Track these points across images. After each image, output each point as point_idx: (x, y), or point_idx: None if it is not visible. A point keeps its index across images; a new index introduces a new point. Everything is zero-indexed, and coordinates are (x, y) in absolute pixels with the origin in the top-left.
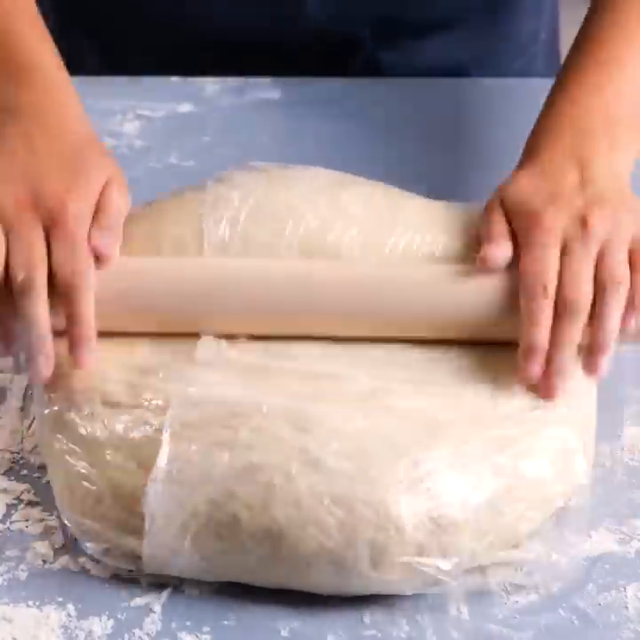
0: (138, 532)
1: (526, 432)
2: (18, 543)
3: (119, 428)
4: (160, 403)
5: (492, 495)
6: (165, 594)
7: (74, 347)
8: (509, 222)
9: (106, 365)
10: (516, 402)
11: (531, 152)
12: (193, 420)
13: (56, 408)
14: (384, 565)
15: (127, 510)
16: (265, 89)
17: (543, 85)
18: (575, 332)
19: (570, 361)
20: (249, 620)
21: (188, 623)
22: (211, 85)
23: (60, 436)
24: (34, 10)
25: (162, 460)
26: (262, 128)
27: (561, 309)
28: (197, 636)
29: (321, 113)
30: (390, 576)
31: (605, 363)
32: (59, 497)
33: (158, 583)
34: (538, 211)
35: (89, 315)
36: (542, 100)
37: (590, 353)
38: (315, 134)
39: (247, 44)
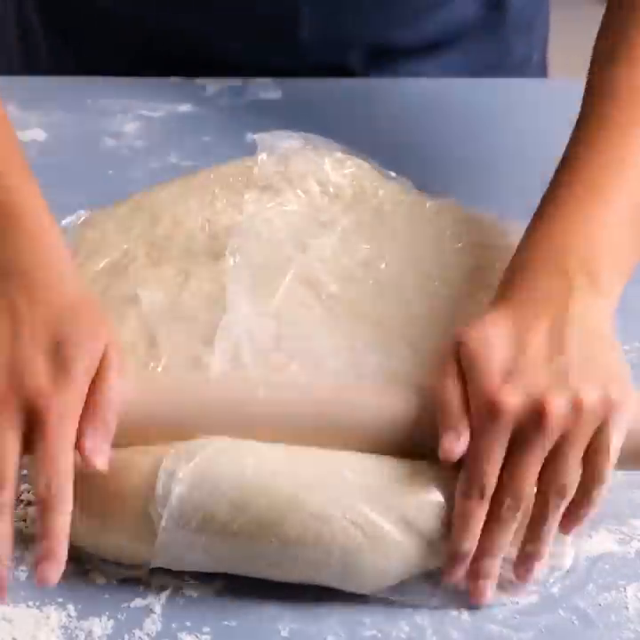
0: (120, 549)
1: None
2: (18, 543)
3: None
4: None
5: None
6: (165, 594)
7: (40, 560)
8: (464, 381)
9: None
10: None
11: (502, 291)
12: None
13: None
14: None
15: (103, 528)
16: (265, 89)
17: (542, 86)
18: (504, 540)
19: (495, 565)
20: (249, 620)
21: (188, 623)
22: (211, 85)
23: None
24: (17, 150)
25: (173, 460)
26: (262, 128)
27: (495, 512)
28: (197, 637)
29: (321, 113)
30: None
31: (537, 569)
32: None
33: (158, 584)
34: (492, 386)
35: (61, 530)
36: (540, 101)
37: (522, 561)
38: (315, 134)
39: (240, 66)
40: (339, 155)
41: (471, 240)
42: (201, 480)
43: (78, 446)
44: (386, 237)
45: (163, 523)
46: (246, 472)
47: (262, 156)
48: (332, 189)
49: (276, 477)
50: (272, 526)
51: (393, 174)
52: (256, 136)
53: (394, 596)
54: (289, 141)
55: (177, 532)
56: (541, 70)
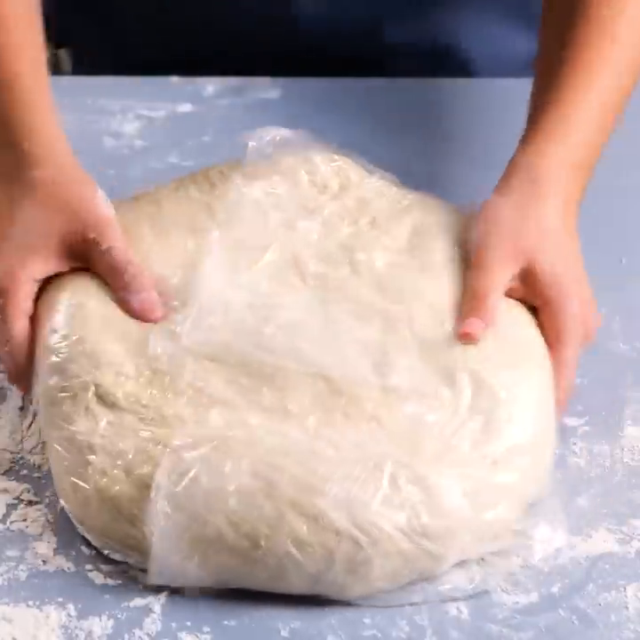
0: (126, 537)
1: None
2: (18, 543)
3: (109, 432)
4: (155, 414)
5: (470, 494)
6: (165, 594)
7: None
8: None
9: (104, 353)
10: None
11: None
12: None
13: (53, 396)
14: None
15: (114, 516)
16: (265, 89)
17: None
18: None
19: None
20: (249, 620)
21: (188, 623)
22: (211, 85)
23: (54, 428)
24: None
25: (162, 476)
26: (262, 128)
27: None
28: (197, 636)
29: (321, 113)
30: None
31: None
32: (57, 488)
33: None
34: (570, 318)
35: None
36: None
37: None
38: (314, 134)
39: (235, 42)
40: (327, 150)
41: (447, 226)
42: (190, 495)
43: None
44: (365, 223)
45: (154, 538)
46: (231, 485)
47: (252, 144)
48: (319, 180)
49: (264, 488)
50: (265, 538)
51: (379, 171)
52: (245, 135)
53: (392, 602)
54: (279, 136)
55: (170, 548)
56: None
